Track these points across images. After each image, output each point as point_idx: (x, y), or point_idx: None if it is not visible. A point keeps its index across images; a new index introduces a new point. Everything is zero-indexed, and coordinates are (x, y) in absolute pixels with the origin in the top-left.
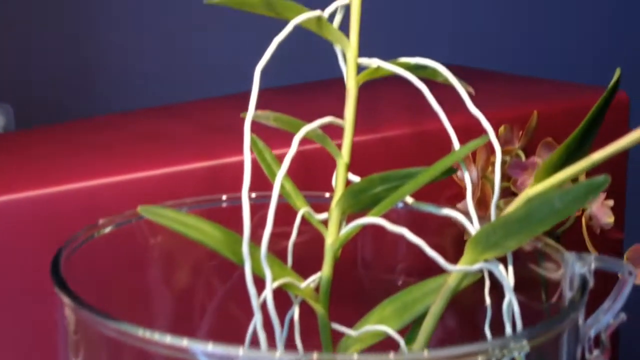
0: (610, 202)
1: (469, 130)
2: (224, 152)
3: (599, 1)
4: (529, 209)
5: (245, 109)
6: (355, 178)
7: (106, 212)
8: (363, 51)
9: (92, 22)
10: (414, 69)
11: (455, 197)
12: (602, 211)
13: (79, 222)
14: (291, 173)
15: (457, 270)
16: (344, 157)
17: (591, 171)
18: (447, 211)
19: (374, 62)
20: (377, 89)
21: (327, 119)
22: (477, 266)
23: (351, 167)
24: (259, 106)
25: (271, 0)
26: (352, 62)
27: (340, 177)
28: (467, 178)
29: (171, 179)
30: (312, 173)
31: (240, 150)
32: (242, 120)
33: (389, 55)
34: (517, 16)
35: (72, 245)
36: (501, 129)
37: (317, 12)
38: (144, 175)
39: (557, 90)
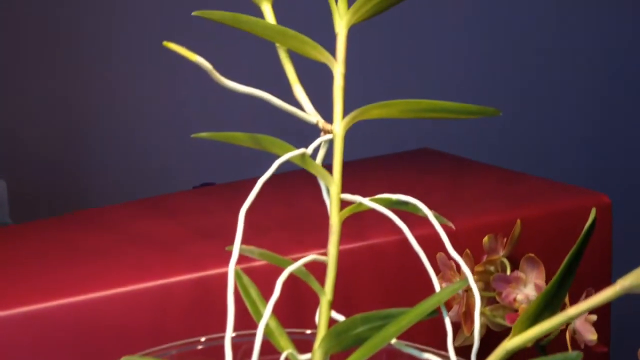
0: (594, 317)
1: (462, 234)
2: (214, 263)
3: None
4: None
5: (236, 203)
6: (338, 317)
7: (94, 327)
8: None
9: (85, 98)
10: (396, 204)
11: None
12: (585, 327)
13: (71, 337)
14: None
15: None
16: (327, 294)
17: (578, 271)
18: (429, 356)
19: (357, 199)
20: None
21: (311, 257)
22: None
23: (338, 275)
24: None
25: (257, 136)
26: (335, 198)
27: (323, 316)
28: (448, 323)
29: (162, 291)
30: (299, 292)
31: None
32: (233, 224)
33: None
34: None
35: None
36: (485, 239)
37: (302, 150)
38: (134, 288)
39: (540, 191)
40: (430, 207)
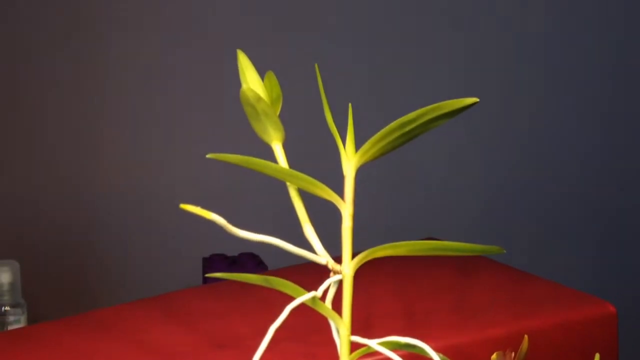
0: None
1: (470, 347)
2: None
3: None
4: None
5: (247, 304)
6: None
7: None
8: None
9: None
10: (404, 347)
11: None
12: None
13: None
14: None
15: None
16: None
17: None
18: None
19: (367, 342)
20: (372, 302)
21: None
22: None
23: None
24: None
25: (269, 278)
26: (345, 340)
27: None
28: None
29: None
30: None
31: None
32: (249, 334)
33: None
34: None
35: None
36: (494, 356)
37: (312, 293)
38: None
39: (547, 298)
40: (439, 317)
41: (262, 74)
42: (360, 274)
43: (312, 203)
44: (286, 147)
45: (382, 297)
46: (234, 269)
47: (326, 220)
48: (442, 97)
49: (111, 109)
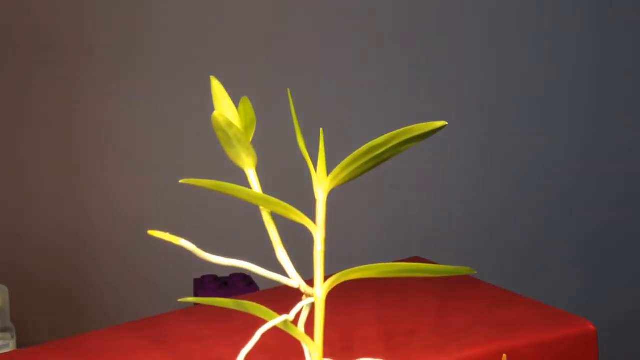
0: None
1: None
2: None
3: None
4: None
5: (230, 330)
6: None
7: None
8: None
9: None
10: None
11: None
12: None
13: None
14: None
15: None
16: None
17: None
18: None
19: None
20: (352, 325)
21: None
22: None
23: None
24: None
25: (242, 302)
26: None
27: None
28: None
29: None
30: None
31: None
32: (232, 357)
33: None
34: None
35: None
36: None
37: (284, 317)
38: None
39: (528, 317)
40: (420, 337)
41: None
42: (341, 296)
43: (287, 225)
44: (260, 170)
45: (363, 320)
46: (224, 290)
47: (300, 243)
48: (412, 120)
49: (96, 131)
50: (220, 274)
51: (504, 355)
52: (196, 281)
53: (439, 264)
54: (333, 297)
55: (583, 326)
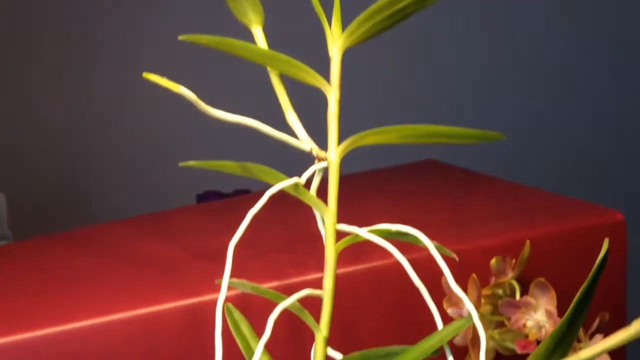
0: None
1: (468, 256)
2: (209, 288)
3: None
4: None
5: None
6: (335, 354)
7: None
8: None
9: (84, 112)
10: (395, 235)
11: None
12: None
13: None
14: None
15: None
16: (322, 330)
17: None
18: None
19: (354, 230)
20: (362, 211)
21: (305, 292)
22: None
23: (336, 302)
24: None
25: (248, 165)
26: (331, 229)
27: (318, 354)
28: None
29: (154, 318)
30: (295, 325)
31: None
32: (238, 247)
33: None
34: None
35: None
36: (493, 261)
37: (295, 179)
38: (124, 316)
39: (549, 207)
40: (434, 228)
41: None
42: (348, 196)
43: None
44: (268, 32)
45: (373, 211)
46: None
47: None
48: None
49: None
50: (224, 190)
51: (527, 243)
52: (199, 197)
53: (451, 164)
54: (342, 191)
55: (611, 215)
